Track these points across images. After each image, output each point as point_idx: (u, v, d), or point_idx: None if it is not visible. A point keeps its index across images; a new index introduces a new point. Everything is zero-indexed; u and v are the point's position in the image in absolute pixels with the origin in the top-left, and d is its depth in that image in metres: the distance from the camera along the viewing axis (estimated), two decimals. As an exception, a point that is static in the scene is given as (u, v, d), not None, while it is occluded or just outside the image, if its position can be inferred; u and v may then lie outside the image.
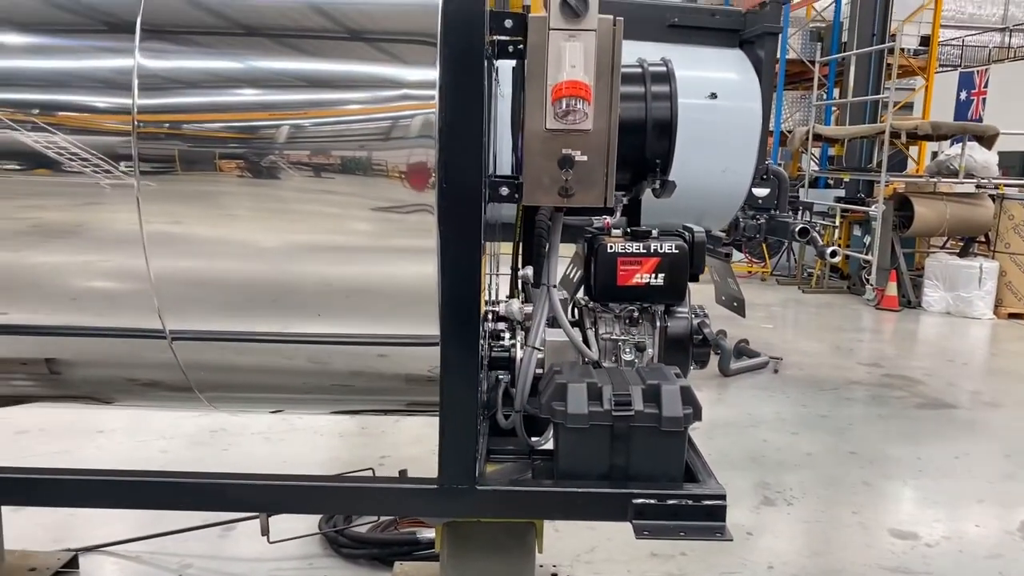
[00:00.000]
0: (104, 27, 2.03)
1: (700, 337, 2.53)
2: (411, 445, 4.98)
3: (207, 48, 2.04)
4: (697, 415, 2.05)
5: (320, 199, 2.04)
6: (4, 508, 3.00)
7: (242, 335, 2.19)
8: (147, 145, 1.95)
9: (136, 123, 1.93)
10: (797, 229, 6.75)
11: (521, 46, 2.08)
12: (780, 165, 10.41)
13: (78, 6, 2.06)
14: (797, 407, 6.34)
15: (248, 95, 2.00)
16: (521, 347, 2.35)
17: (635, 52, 2.53)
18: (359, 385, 2.39)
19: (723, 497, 2.02)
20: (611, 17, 1.94)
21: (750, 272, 13.02)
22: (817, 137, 12.10)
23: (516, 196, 2.06)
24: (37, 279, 2.12)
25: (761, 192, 7.02)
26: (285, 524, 3.60)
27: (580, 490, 2.02)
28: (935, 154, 12.46)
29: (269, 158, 1.97)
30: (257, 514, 3.33)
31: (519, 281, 2.66)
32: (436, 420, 2.10)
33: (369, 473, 4.17)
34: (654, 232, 2.49)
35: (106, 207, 2.03)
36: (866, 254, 11.07)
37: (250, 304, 2.14)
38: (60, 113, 2.00)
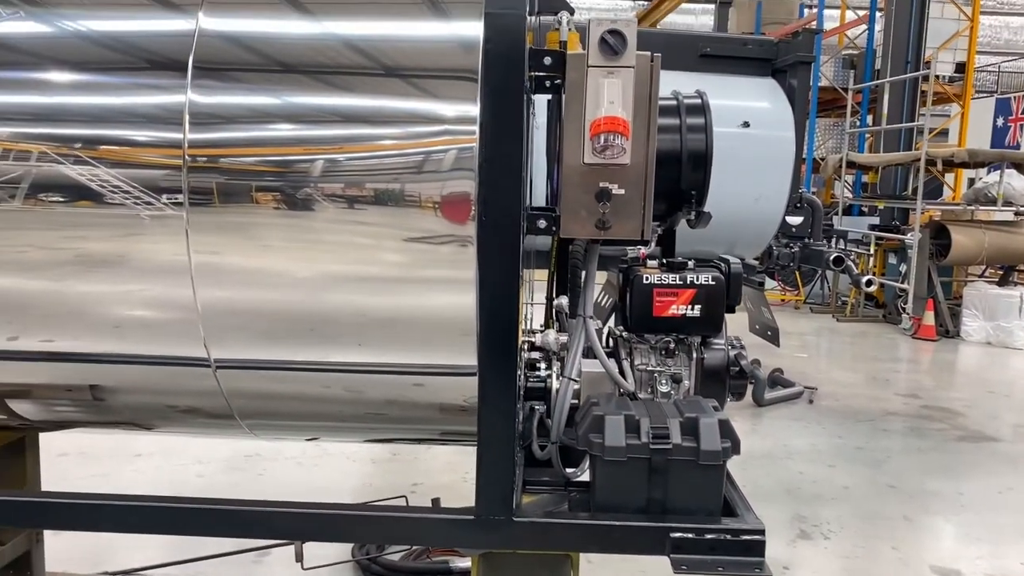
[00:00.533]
0: (156, 65, 2.10)
1: (737, 369, 2.52)
2: (443, 472, 4.99)
3: (255, 85, 2.09)
4: (736, 449, 2.04)
5: (358, 230, 2.08)
6: (45, 531, 3.06)
7: (283, 364, 2.22)
8: (197, 178, 2.00)
9: (186, 157, 1.99)
10: (832, 258, 6.69)
11: (559, 81, 2.12)
12: (813, 192, 10.35)
13: (129, 46, 2.13)
14: (833, 438, 6.25)
15: (295, 131, 2.05)
16: (557, 378, 2.35)
17: (668, 81, 2.55)
18: (393, 414, 2.41)
19: (762, 532, 2.00)
20: (648, 54, 1.97)
21: (783, 300, 12.90)
22: (851, 165, 12.02)
23: (553, 229, 2.09)
24: (82, 307, 2.17)
25: (795, 220, 6.98)
26: (319, 551, 3.62)
27: (618, 523, 2.02)
28: (972, 181, 12.31)
29: (307, 191, 2.01)
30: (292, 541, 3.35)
31: (553, 311, 2.67)
32: (468, 448, 2.11)
33: (402, 500, 4.18)
34: (690, 263, 2.50)
35: (155, 238, 2.08)
36: (902, 283, 10.92)
37: (291, 333, 2.17)
38: (110, 147, 2.07)
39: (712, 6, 21.52)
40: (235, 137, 2.04)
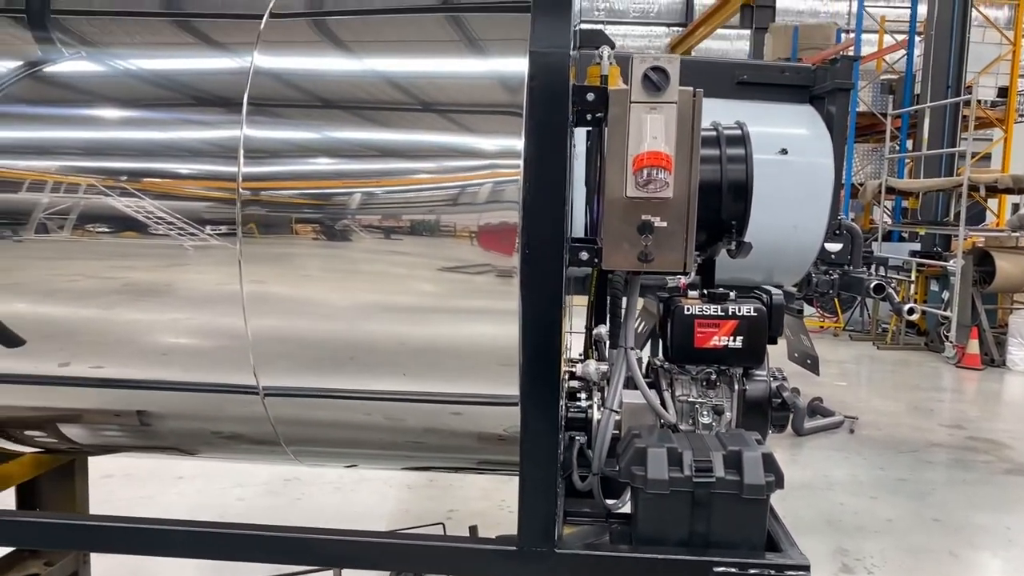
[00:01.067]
0: (212, 102, 2.18)
1: (779, 401, 2.50)
2: (479, 499, 4.99)
3: (308, 121, 2.16)
4: (779, 483, 2.02)
5: (397, 260, 2.12)
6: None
7: (328, 392, 2.26)
8: (250, 210, 2.06)
9: (241, 190, 2.06)
10: (872, 285, 6.60)
11: (600, 114, 2.15)
12: (851, 217, 10.23)
13: (186, 84, 2.22)
14: (874, 469, 6.13)
15: (350, 165, 2.11)
16: (598, 408, 2.36)
17: (704, 109, 2.58)
18: (431, 442, 2.43)
19: (807, 568, 1.98)
20: (691, 89, 1.99)
21: (822, 327, 12.72)
22: (890, 190, 11.88)
23: (596, 261, 2.11)
24: (130, 335, 2.24)
25: (834, 247, 6.92)
26: (357, 576, 3.63)
27: (660, 556, 2.01)
28: (1016, 207, 12.07)
29: (346, 222, 2.06)
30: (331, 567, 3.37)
31: (592, 340, 2.68)
32: (503, 475, 2.11)
33: (439, 527, 4.18)
34: (732, 294, 2.50)
35: (207, 268, 2.14)
36: (945, 310, 10.72)
37: (334, 361, 2.22)
38: (165, 180, 2.14)
39: (747, 32, 21.53)
40: (288, 171, 2.10)
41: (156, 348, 2.28)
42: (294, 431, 2.37)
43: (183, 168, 2.16)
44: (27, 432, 2.54)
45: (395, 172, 2.10)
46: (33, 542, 2.79)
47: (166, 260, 2.15)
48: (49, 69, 2.23)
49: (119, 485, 4.96)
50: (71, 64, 2.25)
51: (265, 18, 2.17)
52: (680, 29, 24.20)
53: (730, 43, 25.59)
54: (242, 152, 2.06)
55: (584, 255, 2.11)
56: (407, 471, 5.35)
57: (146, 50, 2.29)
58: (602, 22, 25.42)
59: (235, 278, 2.10)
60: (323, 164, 2.12)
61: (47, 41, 2.29)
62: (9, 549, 3.04)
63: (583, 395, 2.45)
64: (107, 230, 2.15)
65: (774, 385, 2.51)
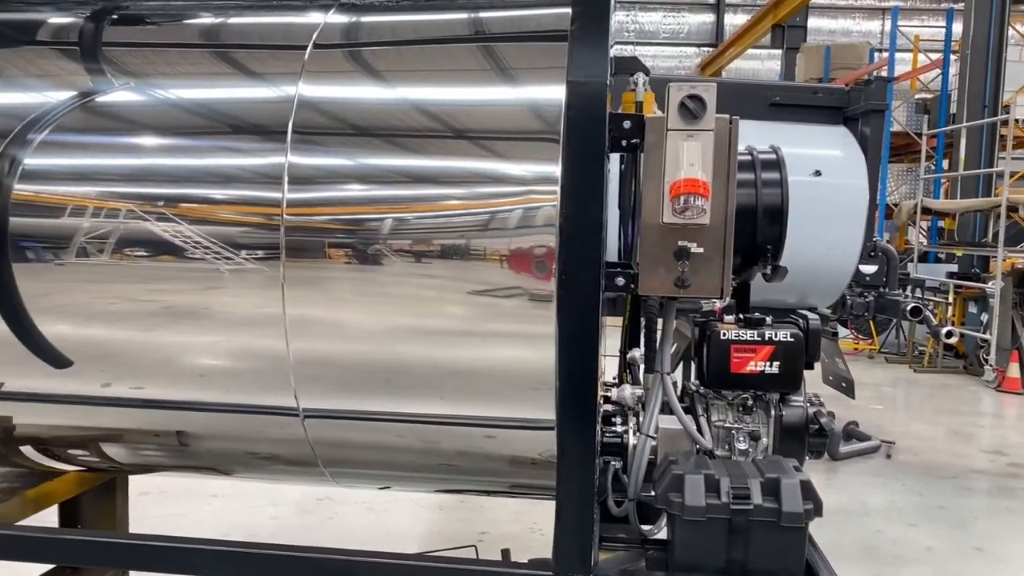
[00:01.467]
0: (257, 130, 2.24)
1: (816, 427, 2.48)
2: (510, 522, 4.98)
3: (352, 149, 2.21)
4: (818, 511, 2.01)
5: (440, 284, 2.15)
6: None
7: (366, 414, 2.29)
8: (294, 235, 2.11)
9: (285, 216, 2.10)
10: (909, 308, 6.52)
11: (635, 140, 2.17)
12: (886, 238, 10.10)
13: (231, 113, 2.28)
14: (912, 495, 6.01)
15: (391, 191, 2.16)
16: (634, 433, 2.36)
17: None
18: (464, 465, 2.45)
19: (847, 599, 1.95)
20: (727, 117, 2.00)
21: (856, 349, 12.53)
22: (926, 211, 11.73)
23: (632, 286, 2.12)
24: (171, 356, 2.29)
25: (869, 269, 6.85)
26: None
27: (697, 584, 2.00)
28: (1056, 228, 11.83)
29: (376, 246, 2.10)
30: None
31: (627, 363, 2.68)
32: (536, 500, 2.10)
33: (471, 550, 4.18)
34: (768, 319, 2.49)
35: (250, 292, 2.19)
36: (984, 333, 10.51)
37: (374, 384, 2.24)
38: (209, 206, 2.20)
39: (778, 52, 21.46)
40: (330, 197, 2.15)
41: (195, 370, 2.33)
42: (332, 453, 2.40)
43: (226, 194, 2.22)
44: (70, 450, 2.60)
45: (428, 198, 2.14)
46: (74, 560, 2.84)
47: (204, 283, 2.21)
48: (99, 99, 2.31)
49: (154, 502, 5.03)
50: (120, 95, 2.32)
51: (309, 49, 2.23)
52: (710, 49, 24.20)
53: (761, 63, 25.53)
54: (286, 179, 2.10)
55: (620, 280, 2.12)
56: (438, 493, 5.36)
57: (192, 80, 2.36)
58: (632, 43, 25.54)
59: (276, 301, 2.14)
60: (366, 190, 2.16)
61: (98, 72, 2.37)
62: (51, 566, 3.10)
63: (618, 420, 2.45)
64: (146, 254, 2.21)
65: (811, 411, 2.49)
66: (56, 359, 2.31)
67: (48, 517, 2.98)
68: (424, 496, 5.39)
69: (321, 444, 2.34)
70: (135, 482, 3.47)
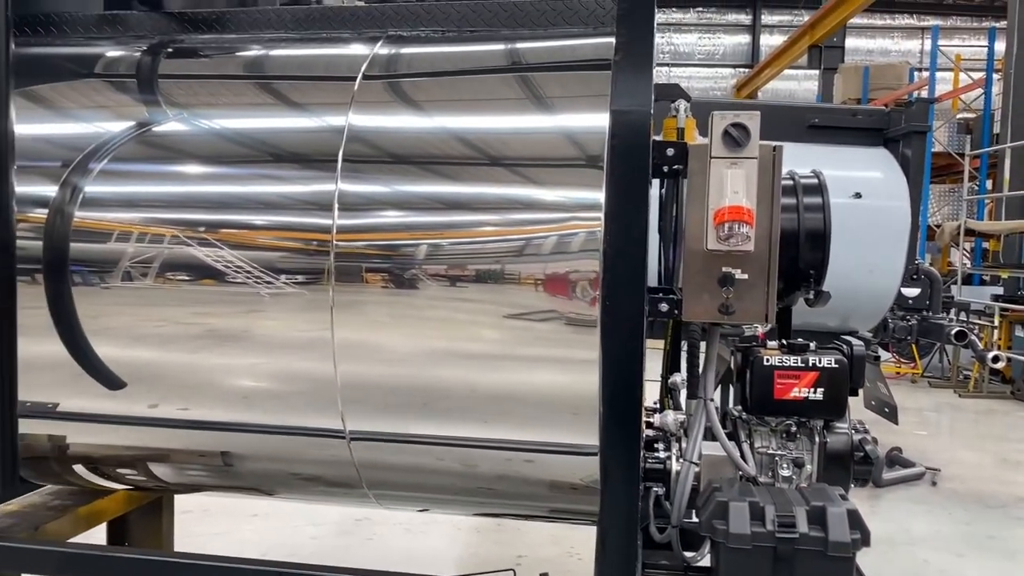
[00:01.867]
0: (309, 158, 2.30)
1: (861, 454, 2.45)
2: (548, 545, 4.95)
3: (399, 176, 2.27)
4: (865, 540, 1.98)
5: (487, 310, 2.18)
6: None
7: (411, 437, 2.31)
8: (342, 260, 2.16)
9: (335, 242, 2.15)
10: (953, 332, 6.40)
11: (677, 167, 2.19)
12: (928, 260, 9.94)
13: (283, 143, 2.35)
14: (960, 525, 5.86)
15: (434, 217, 2.21)
16: (677, 460, 2.35)
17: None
18: (503, 489, 2.45)
19: (897, 631, 1.92)
20: (771, 144, 2.01)
21: (898, 373, 12.29)
22: (969, 232, 11.52)
23: (676, 312, 2.12)
24: (215, 378, 2.35)
25: (911, 292, 6.75)
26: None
27: (742, 613, 1.98)
28: (1106, 250, 11.53)
29: (412, 272, 2.15)
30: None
31: (668, 389, 2.68)
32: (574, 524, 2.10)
33: (510, 573, 4.17)
34: (812, 345, 2.47)
35: (296, 315, 2.24)
36: (1031, 357, 10.26)
37: (419, 407, 2.27)
38: (256, 231, 2.27)
39: (815, 72, 21.33)
40: (380, 223, 2.20)
41: (245, 391, 2.38)
42: (376, 475, 2.43)
43: (275, 220, 2.28)
44: (119, 470, 2.66)
45: (462, 224, 2.19)
46: (122, 577, 2.90)
47: (246, 306, 2.26)
48: (155, 130, 2.39)
49: (196, 521, 5.09)
50: (175, 125, 2.40)
51: (358, 80, 2.30)
52: (746, 70, 24.13)
53: (797, 83, 25.38)
54: (337, 205, 2.16)
55: (664, 306, 2.13)
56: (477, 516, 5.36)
57: (245, 111, 2.44)
58: (667, 64, 25.57)
59: (325, 325, 2.18)
60: (415, 217, 2.21)
61: (154, 104, 2.46)
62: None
63: (660, 445, 2.44)
64: (188, 278, 2.28)
65: (856, 438, 2.46)
66: (110, 381, 2.38)
67: (97, 534, 3.05)
68: (461, 518, 5.39)
69: (366, 466, 2.37)
70: (178, 501, 3.53)
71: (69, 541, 2.78)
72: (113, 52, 2.63)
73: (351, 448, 2.30)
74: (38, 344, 2.33)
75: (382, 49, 2.40)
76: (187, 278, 2.29)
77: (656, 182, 2.55)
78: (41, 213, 2.30)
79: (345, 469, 2.37)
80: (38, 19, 2.70)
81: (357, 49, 2.44)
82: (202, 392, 2.38)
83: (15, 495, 2.82)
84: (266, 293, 2.22)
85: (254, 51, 2.58)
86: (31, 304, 2.30)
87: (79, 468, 2.64)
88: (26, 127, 2.28)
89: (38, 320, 2.32)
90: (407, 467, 2.42)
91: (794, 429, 2.43)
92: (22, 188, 2.16)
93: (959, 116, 15.19)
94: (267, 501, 5.38)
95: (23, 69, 2.30)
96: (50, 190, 2.31)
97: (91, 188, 2.32)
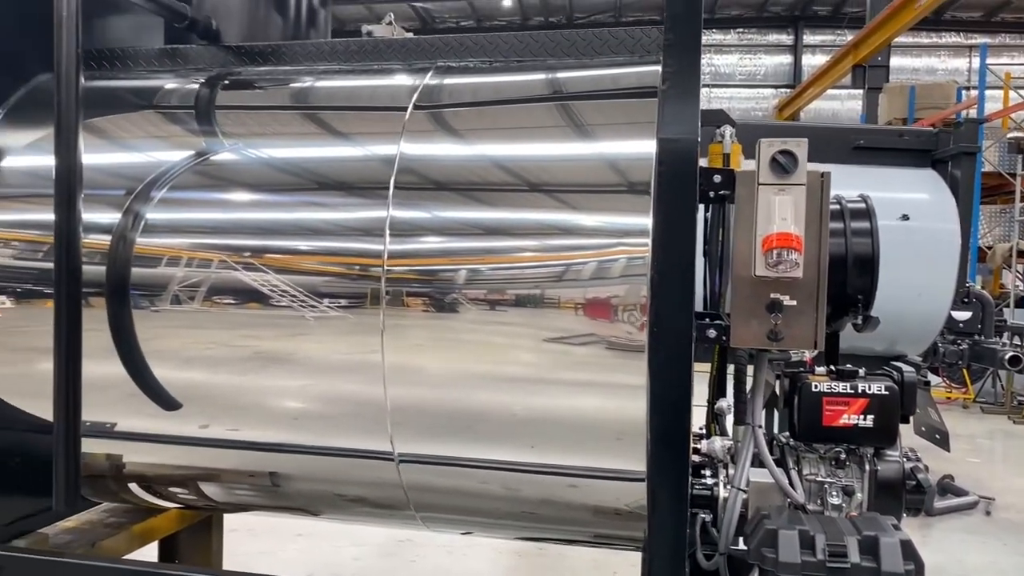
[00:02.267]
0: (361, 185, 2.36)
1: (913, 483, 2.41)
2: (589, 570, 4.92)
3: (449, 203, 2.31)
4: (920, 572, 1.95)
5: (533, 335, 2.19)
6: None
7: (459, 460, 2.33)
8: (393, 285, 2.21)
9: (386, 267, 2.20)
10: (1008, 357, 6.25)
11: (724, 192, 2.19)
12: (978, 283, 9.71)
13: (335, 171, 2.42)
14: (1017, 557, 5.68)
15: (484, 243, 2.25)
16: (725, 486, 2.34)
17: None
18: (546, 513, 2.45)
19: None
20: (819, 171, 2.01)
21: (949, 398, 11.98)
22: (1021, 254, 11.23)
23: (724, 339, 2.12)
24: (264, 400, 2.40)
25: (962, 316, 6.61)
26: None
27: (793, 643, 1.95)
28: None
29: (452, 296, 2.18)
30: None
31: (715, 414, 2.66)
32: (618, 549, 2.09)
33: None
34: (861, 371, 2.44)
35: (346, 338, 2.29)
36: (1090, 383, 9.93)
37: (467, 430, 2.30)
38: (307, 256, 2.32)
39: (859, 92, 21.07)
40: (429, 248, 2.24)
41: (288, 413, 2.42)
42: (423, 497, 2.45)
43: (326, 246, 2.34)
44: (172, 488, 2.72)
45: (514, 249, 2.22)
46: (176, 594, 2.97)
47: (293, 330, 2.31)
48: (213, 159, 2.48)
49: (242, 540, 5.16)
50: (232, 154, 2.49)
51: (409, 110, 2.36)
52: (787, 90, 23.94)
53: (841, 103, 25.10)
54: (388, 231, 2.21)
55: (712, 332, 2.13)
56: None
57: (298, 140, 2.52)
58: (708, 85, 25.51)
59: (374, 348, 2.22)
60: (464, 242, 2.26)
61: (211, 134, 2.55)
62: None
63: (707, 471, 2.43)
64: (236, 301, 2.35)
65: (908, 466, 2.42)
66: (167, 401, 2.44)
67: (149, 552, 3.12)
68: (502, 541, 5.39)
69: (413, 488, 2.39)
70: (225, 519, 3.59)
71: (124, 558, 2.86)
72: (173, 84, 2.73)
73: (400, 470, 2.33)
74: (98, 365, 2.41)
75: (431, 80, 2.46)
76: (239, 302, 2.35)
77: (701, 205, 2.56)
78: (105, 239, 2.40)
79: (392, 491, 2.40)
80: (103, 53, 2.82)
81: (407, 80, 2.50)
82: (251, 413, 2.43)
83: (75, 512, 2.90)
84: (312, 316, 2.26)
85: (307, 83, 2.66)
86: (92, 326, 2.39)
87: (134, 486, 2.71)
88: (92, 157, 2.37)
89: (99, 342, 2.40)
90: (453, 490, 2.44)
91: (843, 456, 2.40)
92: (88, 215, 2.25)
93: (1010, 135, 14.84)
94: (312, 521, 5.44)
95: (90, 101, 2.40)
96: (113, 217, 2.41)
97: (152, 215, 2.40)
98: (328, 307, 2.26)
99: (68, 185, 2.16)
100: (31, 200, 2.59)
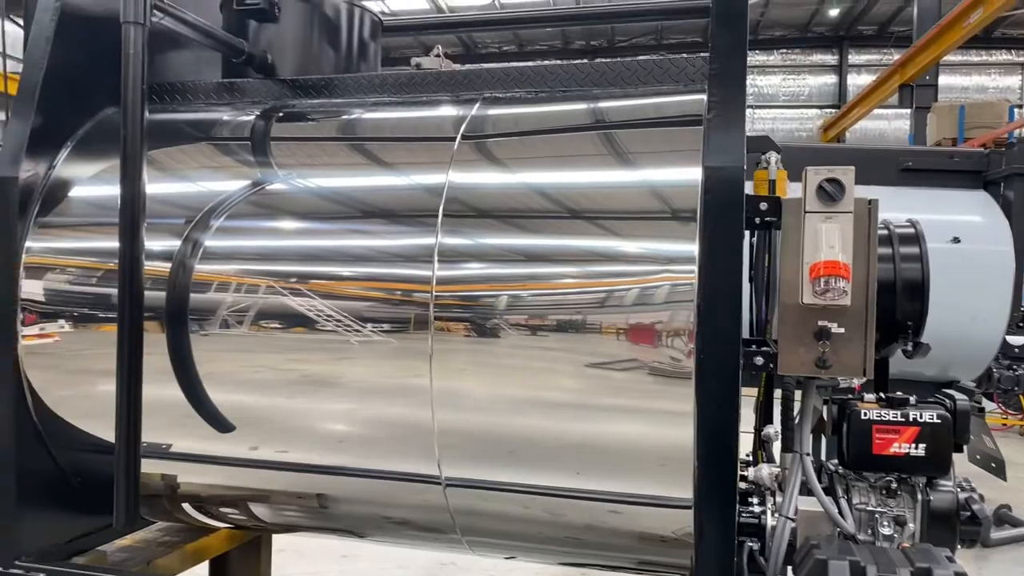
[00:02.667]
0: (411, 213, 2.42)
1: (968, 514, 2.36)
2: (634, 597, 4.87)
3: (495, 230, 2.36)
4: (976, 606, 1.91)
5: (580, 360, 2.21)
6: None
7: (503, 484, 2.35)
8: (441, 311, 2.25)
9: (434, 293, 2.25)
10: (1066, 383, 6.05)
11: (770, 219, 2.20)
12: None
13: (384, 200, 2.48)
14: (1079, 591, 5.48)
15: (530, 269, 2.28)
16: (772, 514, 2.32)
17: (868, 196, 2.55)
18: (590, 539, 2.45)
19: None
20: (866, 199, 2.01)
21: (1005, 424, 11.62)
22: (1080, 276, 10.88)
23: (771, 366, 2.12)
24: (312, 422, 2.45)
25: (1017, 340, 6.44)
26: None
27: (843, 676, 1.93)
28: None
29: (494, 321, 2.21)
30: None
31: (761, 441, 2.64)
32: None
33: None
34: (912, 399, 2.41)
35: (393, 362, 2.33)
36: None
37: (512, 455, 2.32)
38: (355, 282, 2.38)
39: (907, 111, 20.75)
40: (477, 274, 2.29)
41: (335, 435, 2.47)
42: (469, 521, 2.47)
43: (377, 272, 2.40)
44: (223, 509, 2.79)
45: (559, 276, 2.25)
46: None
47: (337, 354, 2.37)
48: (268, 188, 2.56)
49: (290, 561, 5.23)
50: (286, 184, 2.57)
51: (457, 140, 2.42)
52: (832, 111, 23.68)
53: (888, 123, 24.72)
54: (436, 258, 2.26)
55: (759, 359, 2.13)
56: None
57: (350, 170, 2.60)
58: (751, 106, 25.36)
59: (421, 372, 2.26)
60: (508, 269, 2.30)
61: (267, 164, 2.64)
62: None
63: (755, 499, 2.41)
64: (281, 326, 2.41)
65: (962, 496, 2.37)
66: (221, 424, 2.51)
67: (200, 571, 3.18)
68: (544, 566, 5.37)
69: (460, 512, 2.42)
70: (273, 539, 3.65)
71: (177, 576, 2.93)
72: (230, 117, 2.84)
73: (446, 494, 2.36)
74: (155, 387, 2.49)
75: (479, 111, 2.52)
76: (286, 326, 2.41)
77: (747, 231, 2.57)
78: (165, 266, 2.49)
79: (439, 514, 2.43)
80: (165, 87, 2.94)
81: (455, 111, 2.57)
82: (300, 435, 2.49)
83: (133, 530, 2.99)
84: (356, 341, 2.32)
85: (358, 114, 2.74)
86: (150, 350, 2.47)
87: (187, 506, 2.78)
88: (154, 187, 2.48)
89: (156, 365, 2.47)
90: (498, 514, 2.46)
91: (894, 485, 2.36)
92: (150, 243, 2.34)
93: (1065, 154, 14.47)
94: (358, 543, 5.48)
95: (153, 134, 2.51)
96: (173, 244, 2.50)
97: (210, 243, 2.49)
98: (372, 331, 2.31)
99: (132, 214, 2.25)
100: (93, 228, 2.69)
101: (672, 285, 2.10)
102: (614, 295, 2.17)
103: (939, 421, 2.32)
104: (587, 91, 2.57)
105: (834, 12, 23.63)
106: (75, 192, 2.71)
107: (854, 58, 25.94)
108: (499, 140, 2.50)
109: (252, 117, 2.79)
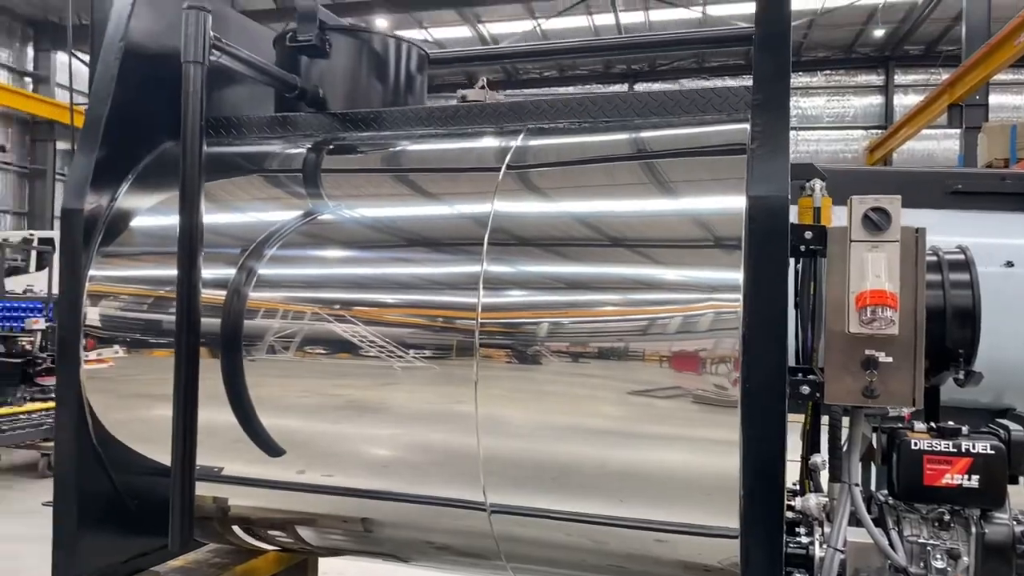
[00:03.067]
0: (457, 241, 2.47)
1: (1024, 548, 2.30)
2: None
3: (540, 258, 2.38)
4: (1033, 643, 1.86)
5: (622, 387, 2.22)
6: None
7: (547, 512, 2.36)
8: (487, 338, 2.28)
9: (480, 320, 2.29)
10: None
11: (815, 247, 2.19)
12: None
13: (431, 229, 2.54)
14: None
15: (574, 296, 2.30)
16: (820, 545, 2.29)
17: (916, 220, 2.52)
18: (633, 568, 2.44)
19: None
20: (913, 228, 2.00)
21: (1065, 453, 11.20)
22: None
23: (817, 395, 2.11)
24: (358, 447, 2.50)
25: (1076, 367, 6.22)
26: None
27: None
28: None
29: (536, 348, 2.23)
30: None
31: (808, 470, 2.61)
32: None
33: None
34: (964, 428, 2.37)
35: (442, 389, 2.37)
36: None
37: (556, 482, 2.33)
38: (399, 309, 2.43)
39: (956, 131, 20.34)
40: (521, 302, 2.32)
41: (380, 460, 2.50)
42: (513, 548, 2.48)
43: (422, 299, 2.44)
44: (271, 531, 2.84)
45: (600, 303, 2.27)
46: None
47: (382, 380, 2.41)
48: (320, 218, 2.64)
49: (334, 583, 5.27)
50: (336, 214, 2.64)
51: (502, 170, 2.47)
52: (878, 132, 23.31)
53: (936, 143, 24.24)
54: (482, 285, 2.30)
55: (805, 389, 2.12)
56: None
57: (398, 200, 2.66)
58: (795, 128, 25.10)
59: (466, 399, 2.29)
60: (560, 296, 2.32)
61: (317, 196, 2.73)
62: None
63: (802, 529, 2.38)
64: (325, 351, 2.47)
65: (1018, 529, 2.32)
66: (271, 448, 2.57)
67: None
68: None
69: (504, 539, 2.43)
70: (320, 562, 3.69)
71: (227, 597, 2.98)
72: (282, 149, 2.93)
73: (491, 520, 2.37)
74: (208, 412, 2.55)
75: (523, 141, 2.57)
76: (332, 351, 2.47)
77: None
78: (220, 293, 2.57)
79: (483, 540, 2.44)
80: (221, 121, 3.05)
81: (500, 142, 2.62)
82: (345, 460, 2.53)
83: (186, 551, 3.06)
84: (399, 367, 2.36)
85: (406, 146, 2.81)
86: (203, 374, 2.54)
87: (236, 528, 2.84)
88: (211, 217, 2.56)
89: (209, 390, 2.54)
90: (542, 542, 2.46)
91: (947, 518, 2.31)
92: (205, 271, 2.42)
93: (1124, 174, 14.05)
94: (403, 567, 5.49)
95: (210, 166, 2.60)
96: (228, 273, 2.58)
97: (264, 271, 2.57)
98: (415, 357, 2.35)
99: (190, 244, 2.33)
100: (152, 257, 2.80)
101: (716, 313, 2.10)
102: (657, 323, 2.18)
103: (993, 452, 2.28)
104: (628, 121, 2.60)
105: (879, 32, 23.34)
106: (136, 222, 2.82)
107: (900, 78, 25.55)
108: (543, 170, 2.54)
109: (303, 150, 2.88)
